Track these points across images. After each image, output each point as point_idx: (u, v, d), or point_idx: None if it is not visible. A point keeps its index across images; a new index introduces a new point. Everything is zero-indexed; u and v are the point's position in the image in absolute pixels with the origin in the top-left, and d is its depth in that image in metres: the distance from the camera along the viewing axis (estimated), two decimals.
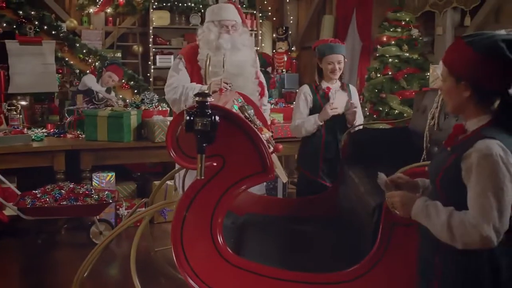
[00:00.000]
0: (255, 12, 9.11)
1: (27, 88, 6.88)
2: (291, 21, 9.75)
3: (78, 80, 7.12)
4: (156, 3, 8.87)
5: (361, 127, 3.91)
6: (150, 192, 4.58)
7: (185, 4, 9.02)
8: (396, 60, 5.93)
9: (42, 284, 4.06)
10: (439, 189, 1.95)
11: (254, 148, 2.40)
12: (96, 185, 5.27)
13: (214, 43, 3.94)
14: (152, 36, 8.97)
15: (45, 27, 7.43)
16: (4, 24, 7.10)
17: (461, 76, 1.90)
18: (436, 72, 4.25)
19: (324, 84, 4.07)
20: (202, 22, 9.24)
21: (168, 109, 5.79)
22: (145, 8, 8.87)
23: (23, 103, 6.32)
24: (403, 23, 6.11)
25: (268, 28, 9.48)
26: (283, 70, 8.83)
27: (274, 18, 9.74)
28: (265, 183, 4.29)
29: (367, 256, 2.44)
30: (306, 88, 4.12)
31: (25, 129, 5.47)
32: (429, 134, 3.28)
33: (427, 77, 5.68)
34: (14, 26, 7.19)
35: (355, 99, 4.10)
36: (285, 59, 8.88)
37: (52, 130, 5.68)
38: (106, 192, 4.88)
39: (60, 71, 7.45)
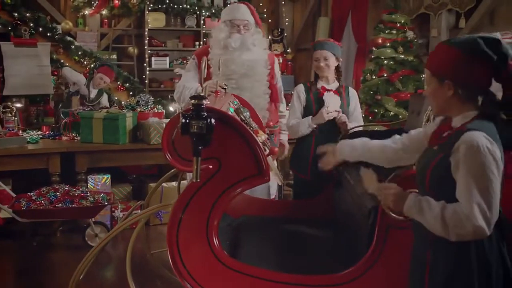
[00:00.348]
0: None
1: (22, 90, 6.87)
2: (287, 23, 9.77)
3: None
4: (151, 5, 8.86)
5: (356, 129, 3.91)
6: (145, 194, 4.58)
7: (181, 6, 9.02)
8: (391, 62, 5.95)
9: (38, 287, 4.05)
10: (428, 190, 1.99)
11: (249, 151, 2.40)
12: (92, 187, 5.26)
13: (222, 42, 3.95)
14: (147, 38, 8.97)
15: (40, 29, 7.42)
16: None
17: (443, 76, 1.98)
18: None
19: (319, 84, 4.04)
20: (197, 24, 9.29)
21: (164, 111, 5.80)
22: (140, 10, 8.86)
23: (18, 105, 6.32)
24: (398, 25, 6.13)
25: (263, 30, 9.50)
26: None
27: (270, 20, 9.76)
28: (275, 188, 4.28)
29: (363, 258, 2.44)
30: (300, 87, 4.11)
31: (20, 131, 5.47)
32: None
33: (422, 79, 5.70)
34: (9, 28, 7.18)
35: (354, 102, 4.04)
36: (281, 61, 8.90)
37: (47, 132, 5.68)
38: (102, 195, 4.87)
39: (56, 73, 7.44)
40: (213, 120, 2.25)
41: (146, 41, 8.96)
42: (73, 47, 7.62)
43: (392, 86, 5.86)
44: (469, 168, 1.83)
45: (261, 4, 9.53)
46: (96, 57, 7.69)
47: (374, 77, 6.05)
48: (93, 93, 6.37)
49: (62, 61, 7.49)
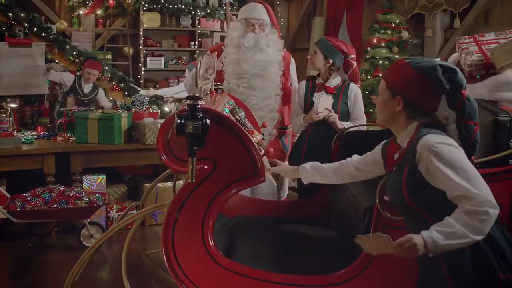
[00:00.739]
0: None
1: (16, 90, 6.84)
2: (282, 23, 9.77)
3: None
4: (146, 5, 8.86)
5: (352, 129, 3.90)
6: (141, 195, 4.57)
7: (176, 6, 9.03)
8: (386, 62, 5.96)
9: (32, 287, 4.05)
10: (414, 206, 2.02)
11: (245, 151, 2.40)
12: (87, 187, 5.25)
13: (236, 41, 3.94)
14: (142, 38, 8.98)
15: (35, 29, 7.40)
16: None
17: (397, 91, 2.10)
18: None
19: (319, 80, 4.02)
20: (192, 24, 9.29)
21: (159, 111, 5.79)
22: (135, 10, 8.86)
23: (13, 105, 6.29)
24: (393, 25, 6.15)
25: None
26: None
27: None
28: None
29: (358, 258, 2.44)
30: (302, 83, 4.11)
31: (15, 132, 5.45)
32: None
33: None
34: (4, 28, 7.17)
35: (355, 99, 3.96)
36: None
37: (42, 133, 5.66)
38: (97, 195, 4.86)
39: None
40: (208, 121, 2.24)
41: (141, 41, 8.96)
42: (68, 47, 7.60)
43: None
44: (443, 166, 1.90)
45: None
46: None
47: (369, 77, 6.07)
48: (86, 88, 6.36)
49: (57, 61, 7.47)
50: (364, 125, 3.97)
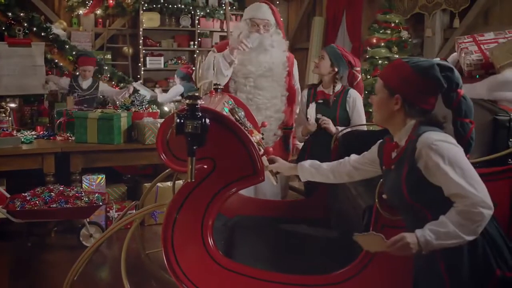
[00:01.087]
0: None
1: (16, 90, 6.84)
2: None
3: None
4: (146, 5, 8.86)
5: (349, 129, 3.91)
6: (140, 195, 4.57)
7: (175, 6, 9.03)
8: (385, 62, 5.97)
9: (32, 287, 4.04)
10: (413, 202, 2.04)
11: (244, 151, 2.40)
12: (86, 187, 5.25)
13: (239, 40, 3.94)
14: (142, 38, 8.97)
15: (34, 28, 7.39)
16: None
17: (395, 90, 2.11)
18: None
19: (319, 88, 4.06)
20: (192, 24, 9.29)
21: (158, 111, 5.79)
22: (135, 10, 8.86)
23: (12, 105, 6.29)
24: (393, 25, 6.15)
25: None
26: None
27: None
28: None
29: (357, 258, 2.45)
30: (304, 92, 4.17)
31: (15, 132, 5.44)
32: None
33: None
34: (3, 28, 7.15)
35: (353, 105, 3.98)
36: None
37: (41, 132, 5.65)
38: (96, 195, 4.86)
39: (50, 73, 7.41)
40: (207, 120, 2.25)
41: (140, 41, 8.96)
42: (67, 47, 7.59)
43: None
44: (442, 164, 1.92)
45: None
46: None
47: (368, 76, 6.07)
48: (85, 84, 6.36)
49: (56, 60, 7.46)
50: (361, 125, 3.97)
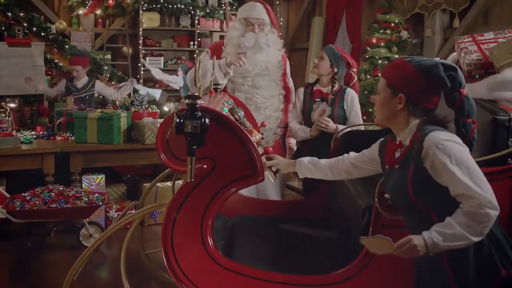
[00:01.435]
0: None
1: (16, 90, 6.84)
2: (281, 23, 9.77)
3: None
4: (146, 5, 8.85)
5: (348, 129, 3.91)
6: (140, 195, 4.56)
7: (175, 6, 9.02)
8: (385, 62, 5.96)
9: (32, 287, 4.04)
10: (418, 202, 2.03)
11: (244, 151, 2.40)
12: (86, 187, 5.25)
13: (236, 40, 3.94)
14: (142, 38, 8.96)
15: (34, 28, 7.39)
16: None
17: (398, 89, 2.10)
18: None
19: (316, 87, 4.08)
20: (192, 24, 9.28)
21: (158, 111, 5.79)
22: (135, 10, 8.85)
23: (12, 105, 6.29)
24: (393, 25, 6.15)
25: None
26: None
27: None
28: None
29: (357, 257, 2.44)
30: (300, 90, 4.18)
31: (14, 132, 5.44)
32: None
33: None
34: (3, 28, 7.15)
35: (351, 104, 4.00)
36: None
37: (41, 132, 5.66)
38: (96, 195, 4.86)
39: (50, 73, 7.41)
40: (207, 120, 2.24)
41: (140, 41, 8.95)
42: (67, 47, 7.59)
43: None
44: (449, 163, 1.91)
45: None
46: (90, 57, 7.65)
47: (368, 76, 6.07)
48: (80, 84, 6.36)
49: (56, 60, 7.46)
50: (362, 124, 3.98)
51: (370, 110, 5.80)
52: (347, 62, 4.03)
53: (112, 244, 4.89)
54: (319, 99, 4.01)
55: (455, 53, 3.63)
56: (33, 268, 4.39)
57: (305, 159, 2.75)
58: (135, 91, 6.78)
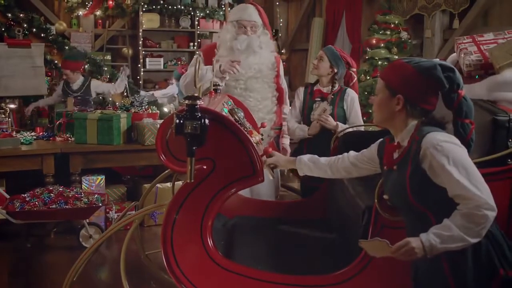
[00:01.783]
0: None
1: (16, 91, 6.84)
2: (281, 24, 9.78)
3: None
4: (145, 6, 8.86)
5: (350, 129, 3.92)
6: (140, 195, 4.56)
7: (175, 7, 9.03)
8: (385, 63, 5.97)
9: None
10: (416, 203, 2.04)
11: (244, 151, 2.40)
12: (86, 188, 5.25)
13: (228, 43, 3.93)
14: (142, 39, 8.97)
15: (34, 29, 7.40)
16: None
17: (397, 90, 2.10)
18: None
19: (316, 87, 4.10)
20: (192, 25, 9.29)
21: (158, 111, 5.79)
22: (134, 11, 8.86)
23: (12, 106, 6.29)
24: (392, 25, 6.15)
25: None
26: None
27: None
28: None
29: (357, 258, 2.44)
30: (300, 89, 4.21)
31: (14, 132, 5.44)
32: None
33: None
34: (3, 29, 7.16)
35: (351, 104, 4.02)
36: None
37: (41, 133, 5.66)
38: (96, 196, 4.86)
39: (50, 74, 7.42)
40: (207, 121, 2.24)
41: (140, 42, 8.96)
42: (67, 48, 7.59)
43: None
44: (446, 164, 1.91)
45: None
46: (90, 58, 7.67)
47: (368, 77, 6.07)
48: (75, 85, 6.35)
49: (56, 61, 7.47)
50: (363, 125, 3.98)
51: (370, 111, 5.80)
52: (347, 62, 4.06)
53: (112, 245, 4.89)
54: (320, 99, 4.03)
55: (454, 54, 3.64)
56: (33, 269, 4.38)
57: (305, 157, 2.75)
58: (135, 92, 6.79)
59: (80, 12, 8.73)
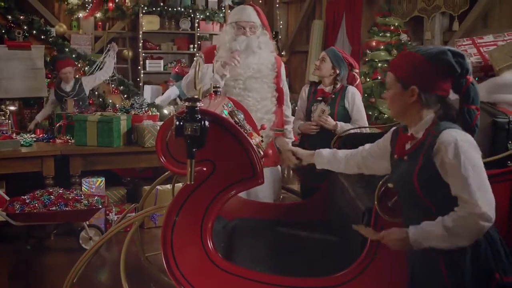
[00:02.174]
0: None
1: (16, 93, 6.85)
2: (281, 26, 9.78)
3: None
4: (145, 8, 8.86)
5: (352, 131, 3.93)
6: (140, 197, 4.56)
7: (175, 9, 9.04)
8: (385, 65, 5.97)
9: None
10: (421, 196, 2.04)
11: (244, 153, 2.40)
12: (86, 190, 5.25)
13: (228, 44, 3.94)
14: (141, 41, 8.97)
15: (34, 31, 7.40)
16: None
17: (409, 82, 2.08)
18: None
19: (319, 86, 4.12)
20: (192, 27, 9.30)
21: (158, 113, 5.79)
22: (134, 13, 8.87)
23: (12, 108, 6.29)
24: (392, 28, 6.15)
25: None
26: None
27: None
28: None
29: (357, 260, 2.44)
30: (305, 87, 4.25)
31: (14, 134, 5.44)
32: None
33: None
34: (3, 31, 7.16)
35: (353, 101, 4.04)
36: None
37: (41, 135, 5.66)
38: (96, 198, 4.86)
39: (50, 76, 7.42)
40: (207, 122, 2.25)
41: (140, 44, 8.96)
42: (67, 50, 7.60)
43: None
44: (457, 163, 1.91)
45: None
46: (90, 60, 7.66)
47: (368, 79, 6.07)
48: (68, 87, 6.34)
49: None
50: (364, 127, 3.99)
51: (370, 113, 5.80)
52: (349, 63, 4.07)
53: (111, 247, 4.89)
54: (321, 98, 4.05)
55: None
56: (33, 271, 4.38)
57: (325, 151, 2.75)
58: (136, 93, 6.79)
59: (80, 14, 8.73)
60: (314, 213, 3.47)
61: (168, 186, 5.30)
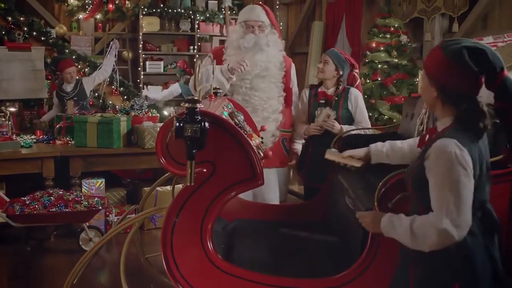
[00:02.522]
0: None
1: (16, 94, 6.85)
2: (281, 27, 9.77)
3: None
4: (146, 9, 8.87)
5: (353, 132, 3.93)
6: (140, 199, 4.56)
7: (175, 10, 9.04)
8: (385, 66, 5.97)
9: None
10: (411, 190, 2.09)
11: (244, 154, 2.40)
12: (86, 191, 5.25)
13: (235, 42, 3.95)
14: (141, 42, 8.98)
15: (34, 33, 7.40)
16: None
17: (431, 77, 2.05)
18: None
19: (321, 89, 4.11)
20: (192, 28, 9.30)
21: (158, 115, 5.79)
22: (135, 14, 8.87)
23: (12, 109, 6.29)
24: (392, 29, 6.15)
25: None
26: None
27: None
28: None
29: (357, 261, 2.44)
30: (305, 90, 4.24)
31: (14, 136, 5.44)
32: None
33: (416, 82, 5.72)
34: (3, 32, 7.16)
35: (355, 103, 4.05)
36: None
37: (41, 137, 5.66)
38: (96, 199, 4.85)
39: (50, 77, 7.42)
40: (207, 124, 2.25)
41: (140, 45, 8.97)
42: (67, 51, 7.60)
43: (386, 90, 5.88)
44: (438, 174, 1.91)
45: None
46: (90, 62, 7.67)
47: (368, 81, 6.07)
48: (69, 87, 6.32)
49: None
50: (364, 128, 3.99)
51: (370, 114, 5.80)
52: (351, 64, 4.07)
53: (111, 248, 4.89)
54: (323, 100, 4.03)
55: None
56: (33, 272, 4.38)
57: (380, 144, 2.74)
58: (136, 94, 6.79)
59: (80, 16, 8.74)
60: (314, 214, 3.48)
61: (168, 188, 5.29)
